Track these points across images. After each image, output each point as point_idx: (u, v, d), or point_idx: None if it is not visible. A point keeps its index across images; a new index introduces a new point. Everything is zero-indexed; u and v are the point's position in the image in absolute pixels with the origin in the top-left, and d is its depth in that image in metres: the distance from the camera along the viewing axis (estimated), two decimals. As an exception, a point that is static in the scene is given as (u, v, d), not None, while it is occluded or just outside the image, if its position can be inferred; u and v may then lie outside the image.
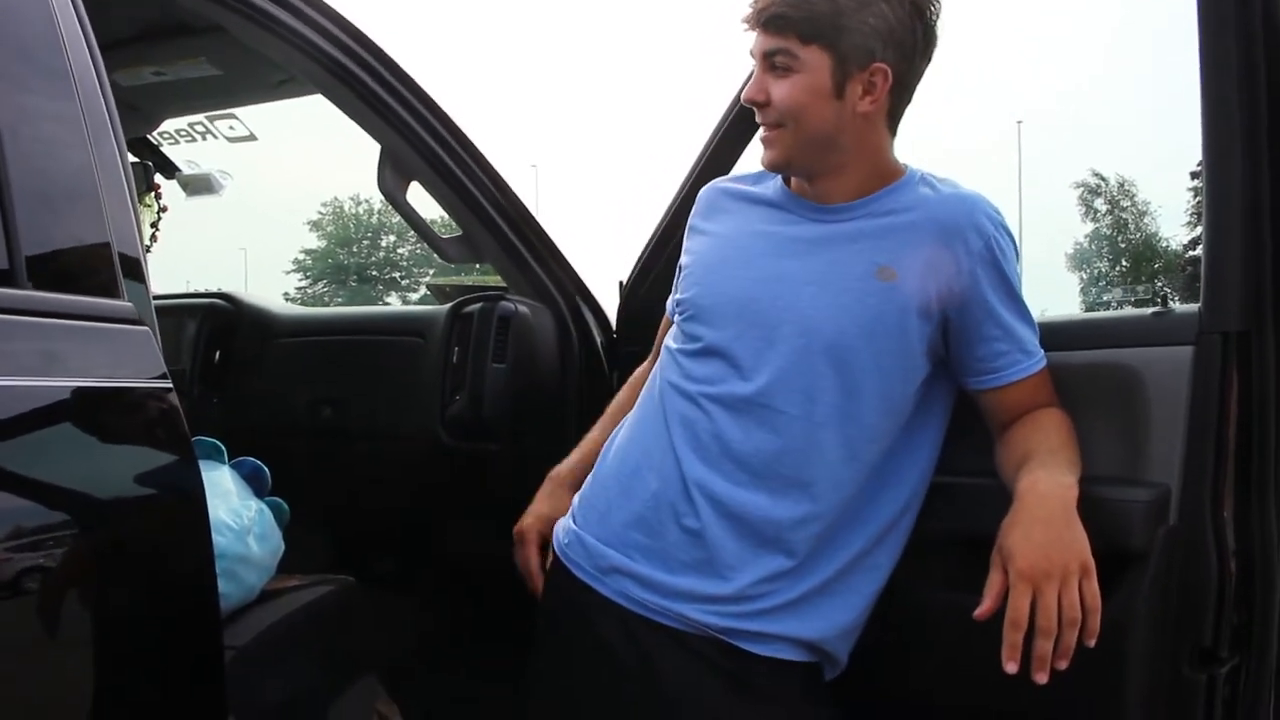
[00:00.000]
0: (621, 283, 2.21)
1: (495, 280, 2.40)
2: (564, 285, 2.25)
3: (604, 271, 2.30)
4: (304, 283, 47.81)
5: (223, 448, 1.86)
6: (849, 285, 1.39)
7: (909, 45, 1.39)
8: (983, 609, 1.24)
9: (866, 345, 1.38)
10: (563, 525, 1.52)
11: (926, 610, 1.52)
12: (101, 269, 1.12)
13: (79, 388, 1.08)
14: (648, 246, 2.16)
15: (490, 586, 2.26)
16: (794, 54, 1.37)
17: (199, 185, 2.65)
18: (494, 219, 2.12)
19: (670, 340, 1.52)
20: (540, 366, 2.19)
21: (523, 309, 2.18)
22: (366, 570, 2.03)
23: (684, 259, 1.56)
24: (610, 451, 1.52)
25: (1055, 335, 1.53)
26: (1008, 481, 1.36)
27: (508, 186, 2.14)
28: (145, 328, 1.13)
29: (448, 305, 2.29)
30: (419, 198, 2.15)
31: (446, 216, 2.22)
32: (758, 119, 1.44)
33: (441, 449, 2.20)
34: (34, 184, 1.08)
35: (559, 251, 2.26)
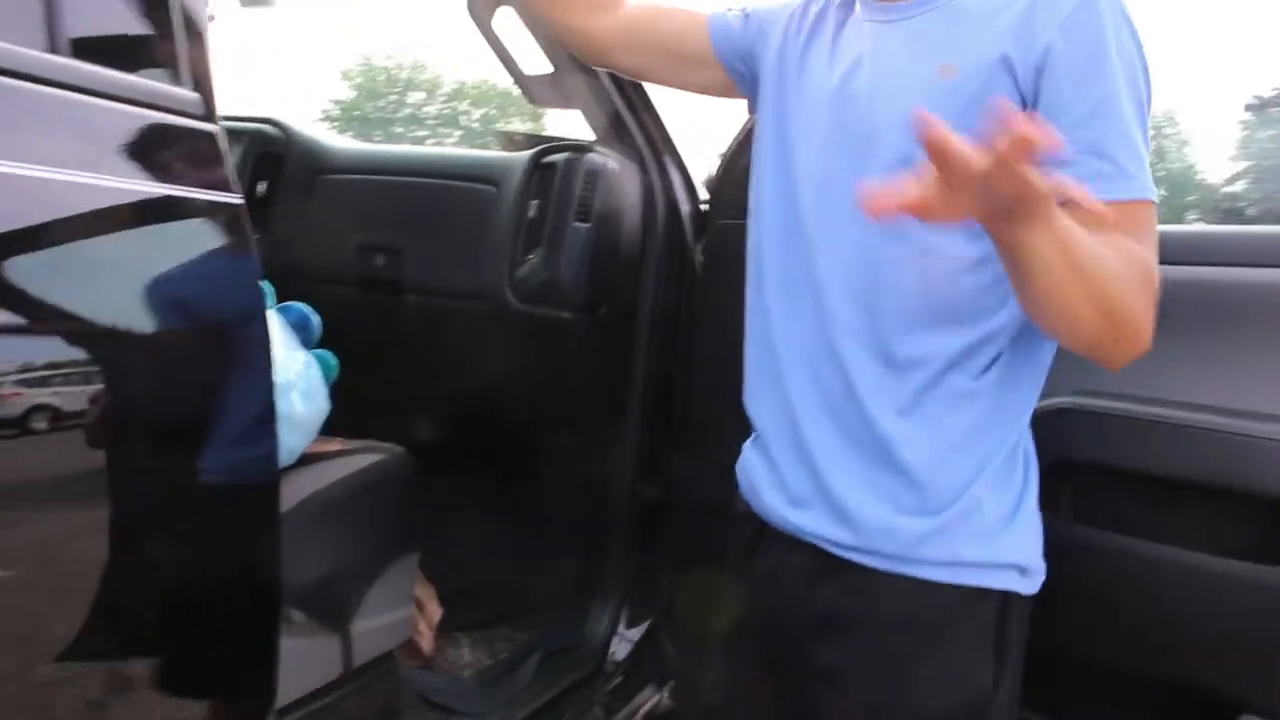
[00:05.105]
0: (722, 154, 1.99)
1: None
2: (655, 144, 2.01)
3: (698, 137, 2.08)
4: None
5: (270, 288, 1.65)
6: (911, 89, 1.12)
7: None
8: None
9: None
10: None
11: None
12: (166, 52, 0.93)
13: (144, 190, 0.90)
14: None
15: (548, 470, 2.08)
16: None
17: (255, -6, 2.37)
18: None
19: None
20: (624, 231, 1.96)
21: (612, 164, 1.94)
22: (414, 440, 1.83)
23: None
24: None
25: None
26: None
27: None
28: (215, 126, 0.95)
29: (528, 153, 2.04)
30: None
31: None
32: None
33: (508, 312, 1.98)
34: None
35: (654, 106, 2.02)
